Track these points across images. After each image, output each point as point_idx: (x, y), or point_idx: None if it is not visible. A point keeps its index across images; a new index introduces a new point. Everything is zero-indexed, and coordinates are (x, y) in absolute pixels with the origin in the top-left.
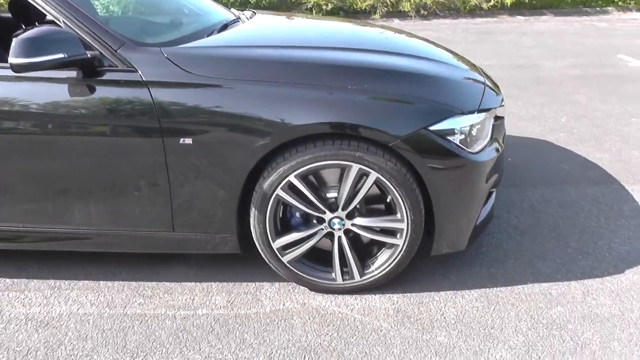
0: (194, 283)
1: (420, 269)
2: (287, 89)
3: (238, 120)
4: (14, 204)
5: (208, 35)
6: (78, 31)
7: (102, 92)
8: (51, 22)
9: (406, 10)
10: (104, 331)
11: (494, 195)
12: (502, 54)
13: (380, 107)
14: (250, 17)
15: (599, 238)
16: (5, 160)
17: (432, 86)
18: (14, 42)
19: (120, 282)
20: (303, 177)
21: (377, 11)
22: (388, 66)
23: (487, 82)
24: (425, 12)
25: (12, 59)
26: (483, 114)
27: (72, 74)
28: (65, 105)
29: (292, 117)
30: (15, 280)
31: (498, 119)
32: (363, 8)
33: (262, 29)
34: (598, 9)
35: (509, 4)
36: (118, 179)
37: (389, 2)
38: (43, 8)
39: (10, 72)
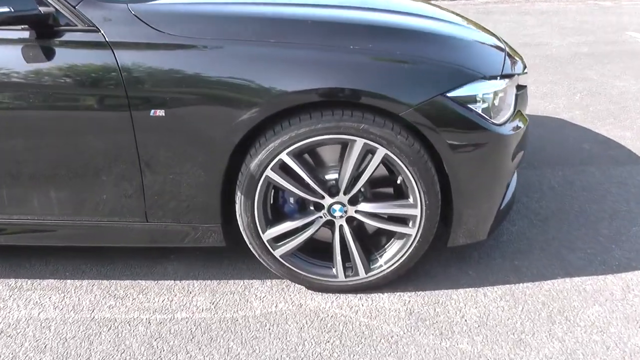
0: (172, 281)
1: (432, 263)
2: (277, 50)
3: (219, 88)
4: None
5: None
6: None
7: (59, 56)
8: None
9: None
10: (66, 340)
11: (515, 177)
12: (505, 33)
13: (388, 70)
14: None
15: (631, 224)
16: None
17: (448, 47)
18: None
19: (90, 280)
20: (297, 155)
21: None
22: (396, 24)
23: (506, 48)
24: None
25: None
26: (506, 81)
27: (24, 34)
28: (15, 72)
29: (283, 83)
30: None
31: (520, 88)
32: None
33: None
34: None
35: None
36: (81, 160)
37: None
38: None
39: None
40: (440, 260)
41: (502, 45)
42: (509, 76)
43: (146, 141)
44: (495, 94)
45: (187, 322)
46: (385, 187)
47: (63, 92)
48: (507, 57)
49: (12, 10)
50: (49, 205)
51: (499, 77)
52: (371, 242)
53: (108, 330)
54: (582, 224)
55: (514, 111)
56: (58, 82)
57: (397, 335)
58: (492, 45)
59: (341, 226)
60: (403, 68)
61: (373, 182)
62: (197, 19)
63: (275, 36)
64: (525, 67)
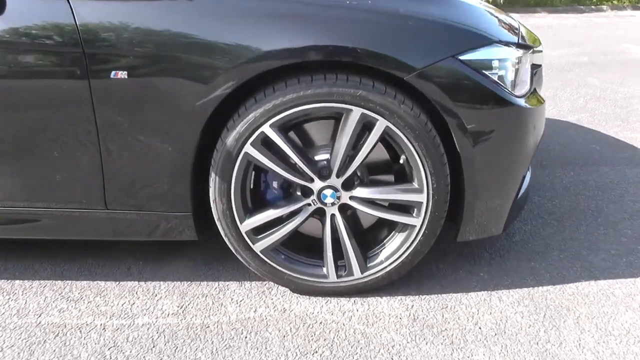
0: (136, 282)
1: (438, 263)
2: (259, 2)
3: (191, 46)
4: None
5: None
6: None
7: (8, 8)
8: None
9: None
10: (1, 350)
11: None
12: None
13: (390, 27)
14: None
15: None
16: None
17: (458, 9)
18: None
19: (42, 281)
20: (282, 129)
21: None
22: None
23: (520, 25)
24: None
25: None
26: (522, 51)
27: None
28: None
29: (266, 40)
30: None
31: (536, 67)
32: None
33: None
34: (593, 7)
35: (502, 1)
36: (29, 132)
37: None
38: None
39: None
40: (447, 260)
41: (514, 20)
42: (526, 47)
43: (105, 109)
44: (512, 63)
45: (148, 329)
46: (383, 172)
47: (8, 50)
48: (521, 29)
49: None
50: None
51: (515, 47)
52: (367, 238)
53: (54, 338)
54: (601, 224)
55: (530, 89)
56: (6, 38)
57: (399, 345)
58: (504, 18)
59: (333, 216)
60: (407, 25)
61: (370, 167)
62: None
63: None
64: (541, 44)
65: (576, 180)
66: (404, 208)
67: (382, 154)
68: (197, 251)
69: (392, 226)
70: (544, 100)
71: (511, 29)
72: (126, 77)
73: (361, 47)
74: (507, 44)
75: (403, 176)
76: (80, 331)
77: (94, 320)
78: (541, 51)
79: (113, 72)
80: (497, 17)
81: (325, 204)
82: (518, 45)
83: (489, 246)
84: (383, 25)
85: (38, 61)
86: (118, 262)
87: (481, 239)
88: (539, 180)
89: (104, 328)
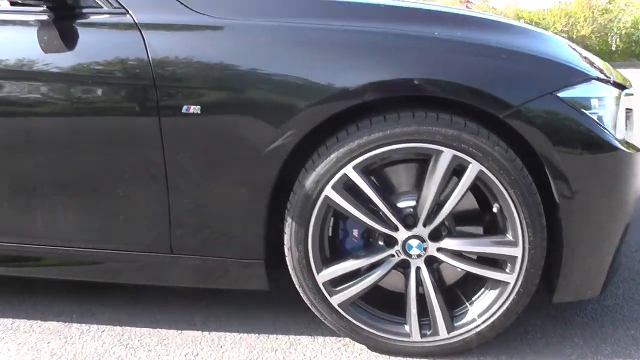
0: (200, 332)
1: (524, 325)
2: (344, 35)
3: (268, 79)
4: None
5: None
6: None
7: (82, 41)
8: None
9: None
10: None
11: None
12: None
13: (484, 61)
14: None
15: None
16: None
17: (549, 43)
18: None
19: (100, 326)
20: (365, 171)
21: None
22: (488, 16)
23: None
24: None
25: None
26: (618, 90)
27: (42, 16)
28: (27, 60)
29: (350, 74)
30: None
31: (628, 111)
32: None
33: None
34: None
35: (614, 48)
36: (95, 167)
37: None
38: None
39: None
40: (535, 323)
41: (595, 57)
42: (621, 87)
43: (175, 145)
44: (611, 102)
45: None
46: (470, 222)
47: (78, 83)
48: (613, 71)
49: None
50: (54, 227)
51: (611, 85)
52: (452, 293)
53: None
54: None
55: (627, 132)
56: (74, 72)
57: None
58: (586, 54)
59: (418, 269)
60: (502, 60)
61: (456, 216)
62: None
63: (342, 19)
64: (631, 86)
65: None
66: (496, 263)
67: (470, 201)
68: (267, 301)
69: (480, 282)
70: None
71: (598, 67)
72: (199, 111)
73: (452, 81)
74: (605, 81)
75: (492, 227)
76: None
77: None
78: (632, 94)
79: (185, 107)
80: (579, 52)
81: (410, 256)
82: (614, 84)
83: (579, 309)
84: (475, 58)
85: (106, 96)
86: (181, 309)
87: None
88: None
89: None
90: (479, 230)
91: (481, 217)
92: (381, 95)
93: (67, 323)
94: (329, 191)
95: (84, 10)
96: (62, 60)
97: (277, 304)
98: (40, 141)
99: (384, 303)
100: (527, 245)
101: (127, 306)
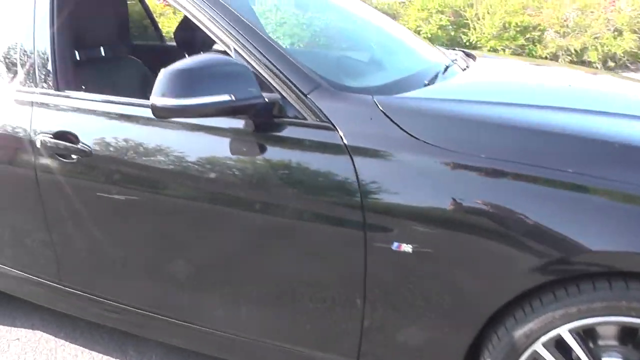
0: None
1: None
2: (585, 185)
3: (495, 229)
4: (134, 281)
5: (429, 83)
6: (254, 63)
7: (279, 156)
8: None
9: (592, 60)
10: None
11: None
12: None
13: None
14: (467, 60)
15: None
16: (131, 233)
17: None
18: (161, 74)
19: None
20: (581, 335)
21: (560, 60)
22: None
23: None
24: (614, 64)
25: (154, 99)
26: None
27: (238, 124)
28: (222, 171)
29: (589, 234)
30: None
31: None
32: (543, 56)
33: (505, 78)
34: None
35: None
36: (290, 277)
37: (573, 51)
38: (210, 30)
39: (149, 114)
40: None
41: None
42: None
43: (378, 277)
44: None
45: None
46: None
47: (278, 201)
48: None
49: (234, 98)
50: (235, 319)
51: None
52: None
53: None
54: None
55: None
56: (271, 189)
57: None
58: None
59: None
60: None
61: None
62: (468, 126)
63: (583, 164)
64: None
65: None
66: None
67: None
68: None
69: None
70: None
71: None
72: (410, 251)
73: None
74: None
75: None
76: None
77: None
78: None
79: (395, 244)
80: None
81: None
82: None
83: None
84: None
85: (311, 214)
86: None
87: None
88: None
89: None
90: None
91: None
92: (617, 268)
93: None
94: (538, 347)
95: (285, 120)
96: (260, 176)
97: None
98: (238, 250)
99: None
100: None
101: None
